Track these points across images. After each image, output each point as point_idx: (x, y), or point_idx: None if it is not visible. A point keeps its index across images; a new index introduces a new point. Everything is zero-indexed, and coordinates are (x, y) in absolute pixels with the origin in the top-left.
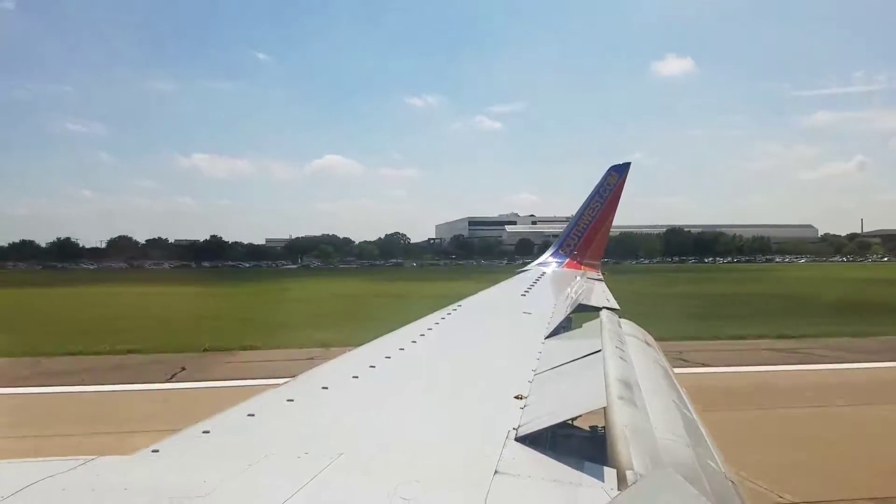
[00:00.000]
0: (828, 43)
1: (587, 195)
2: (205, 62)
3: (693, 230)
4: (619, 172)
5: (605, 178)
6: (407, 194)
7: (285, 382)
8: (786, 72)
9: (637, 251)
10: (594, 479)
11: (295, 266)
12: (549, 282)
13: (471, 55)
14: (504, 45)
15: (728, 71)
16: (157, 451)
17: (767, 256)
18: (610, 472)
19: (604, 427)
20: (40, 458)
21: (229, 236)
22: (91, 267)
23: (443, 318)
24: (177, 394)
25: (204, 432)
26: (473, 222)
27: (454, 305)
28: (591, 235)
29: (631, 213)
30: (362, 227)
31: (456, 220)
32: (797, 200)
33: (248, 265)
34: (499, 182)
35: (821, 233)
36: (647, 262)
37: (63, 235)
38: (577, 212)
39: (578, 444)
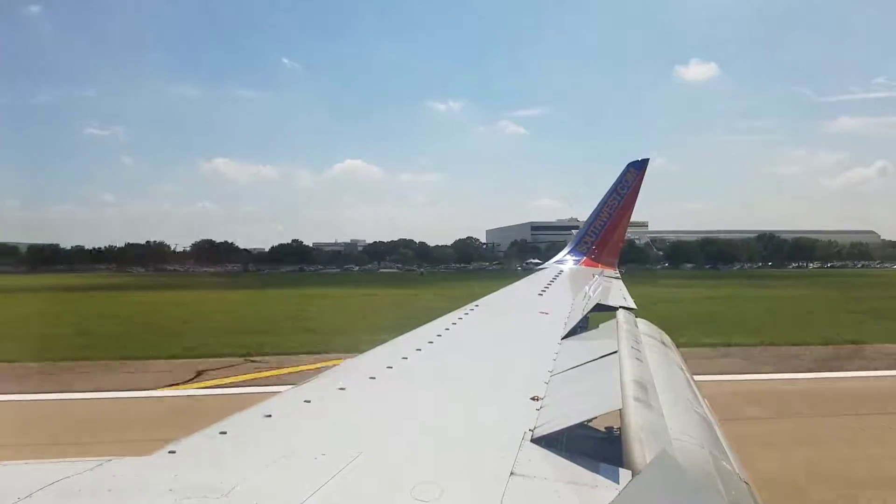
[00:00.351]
0: (849, 48)
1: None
2: (227, 68)
3: (740, 235)
4: (637, 169)
5: (622, 174)
6: (428, 199)
7: (302, 383)
8: (808, 77)
9: (733, 257)
10: (609, 481)
11: (399, 269)
12: (566, 281)
13: (493, 60)
14: (527, 50)
15: (752, 76)
16: (173, 451)
17: (864, 262)
18: (625, 474)
19: (619, 428)
20: (57, 460)
21: (254, 241)
22: (209, 270)
23: (460, 319)
24: None
25: (221, 433)
26: (536, 227)
27: (471, 305)
28: (609, 233)
29: (654, 218)
30: (384, 232)
31: (515, 225)
32: (821, 206)
33: (356, 268)
34: (520, 187)
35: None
36: (749, 266)
37: (91, 240)
38: (595, 209)
39: (594, 446)
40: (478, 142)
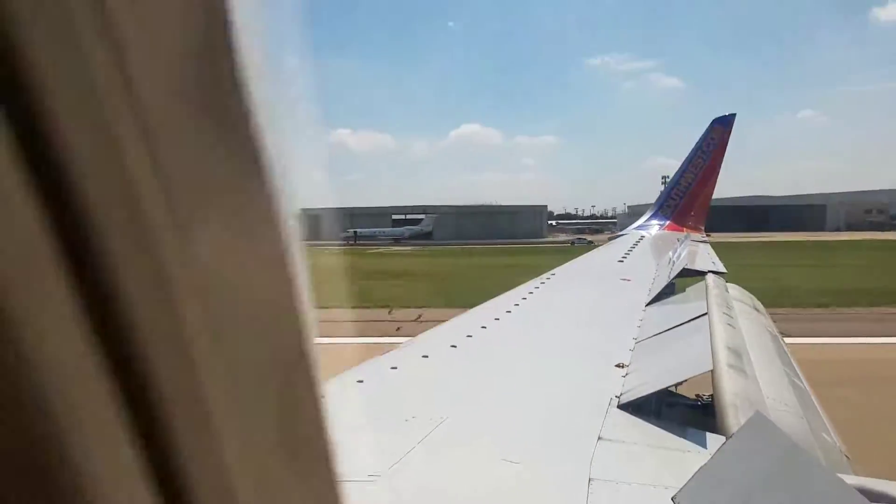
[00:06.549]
0: None
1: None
2: (368, 36)
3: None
4: (723, 125)
5: (707, 132)
6: (540, 163)
7: (389, 352)
8: None
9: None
10: (698, 446)
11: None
12: (648, 246)
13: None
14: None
15: None
16: None
17: None
18: (715, 439)
19: (710, 396)
20: None
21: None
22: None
23: (536, 288)
24: None
25: None
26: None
27: (547, 275)
28: (695, 194)
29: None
30: (498, 198)
31: None
32: None
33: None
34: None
35: None
36: None
37: None
38: (679, 170)
39: (682, 413)
40: (626, 96)
